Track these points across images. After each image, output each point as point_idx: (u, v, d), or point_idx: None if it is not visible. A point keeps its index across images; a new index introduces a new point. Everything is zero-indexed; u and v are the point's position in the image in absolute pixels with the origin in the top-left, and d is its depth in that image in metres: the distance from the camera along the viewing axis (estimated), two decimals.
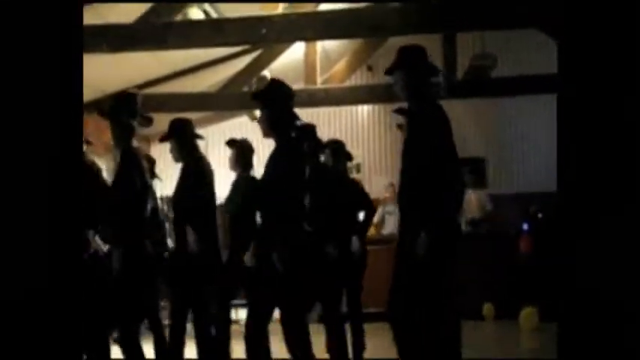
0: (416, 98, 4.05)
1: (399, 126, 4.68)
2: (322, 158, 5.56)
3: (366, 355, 5.68)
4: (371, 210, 5.89)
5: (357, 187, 5.93)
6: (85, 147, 5.34)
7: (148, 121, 4.56)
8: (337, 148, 5.75)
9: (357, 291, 5.68)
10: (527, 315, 8.15)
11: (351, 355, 5.41)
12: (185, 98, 8.37)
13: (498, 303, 8.75)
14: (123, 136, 4.37)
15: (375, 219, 8.02)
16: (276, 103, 4.07)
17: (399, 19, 6.04)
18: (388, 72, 4.08)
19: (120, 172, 4.38)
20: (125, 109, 4.38)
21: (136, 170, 4.33)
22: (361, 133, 11.01)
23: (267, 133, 4.11)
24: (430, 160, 3.88)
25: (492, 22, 6.14)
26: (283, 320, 4.03)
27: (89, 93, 8.69)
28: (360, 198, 5.78)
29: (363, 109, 11.20)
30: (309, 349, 4.02)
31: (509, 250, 8.93)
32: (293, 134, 4.13)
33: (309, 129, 5.05)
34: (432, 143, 3.90)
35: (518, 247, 9.11)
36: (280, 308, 4.04)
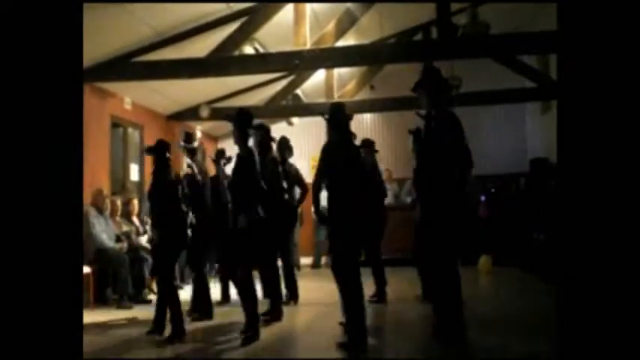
0: (435, 107, 3.87)
1: (410, 131, 4.44)
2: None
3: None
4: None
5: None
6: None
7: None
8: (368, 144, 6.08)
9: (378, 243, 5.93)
10: (484, 261, 8.17)
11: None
12: None
13: (464, 252, 8.76)
14: (244, 139, 4.37)
15: None
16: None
17: (392, 53, 6.08)
18: (414, 89, 3.94)
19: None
20: (247, 121, 4.39)
21: (255, 163, 4.32)
22: (366, 134, 10.96)
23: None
24: (447, 152, 3.75)
25: (457, 56, 6.13)
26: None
27: (175, 107, 8.82)
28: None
29: (367, 116, 11.16)
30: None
31: (472, 214, 8.90)
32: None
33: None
34: (448, 140, 3.79)
35: (478, 212, 9.12)
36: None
